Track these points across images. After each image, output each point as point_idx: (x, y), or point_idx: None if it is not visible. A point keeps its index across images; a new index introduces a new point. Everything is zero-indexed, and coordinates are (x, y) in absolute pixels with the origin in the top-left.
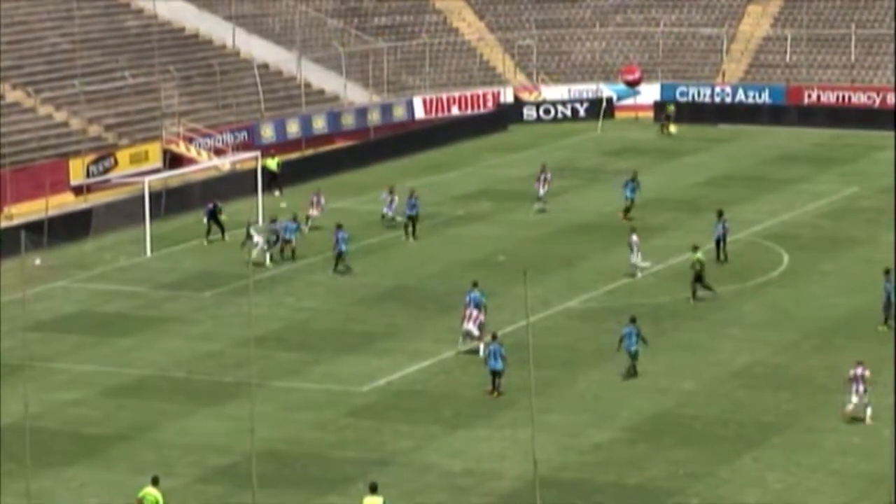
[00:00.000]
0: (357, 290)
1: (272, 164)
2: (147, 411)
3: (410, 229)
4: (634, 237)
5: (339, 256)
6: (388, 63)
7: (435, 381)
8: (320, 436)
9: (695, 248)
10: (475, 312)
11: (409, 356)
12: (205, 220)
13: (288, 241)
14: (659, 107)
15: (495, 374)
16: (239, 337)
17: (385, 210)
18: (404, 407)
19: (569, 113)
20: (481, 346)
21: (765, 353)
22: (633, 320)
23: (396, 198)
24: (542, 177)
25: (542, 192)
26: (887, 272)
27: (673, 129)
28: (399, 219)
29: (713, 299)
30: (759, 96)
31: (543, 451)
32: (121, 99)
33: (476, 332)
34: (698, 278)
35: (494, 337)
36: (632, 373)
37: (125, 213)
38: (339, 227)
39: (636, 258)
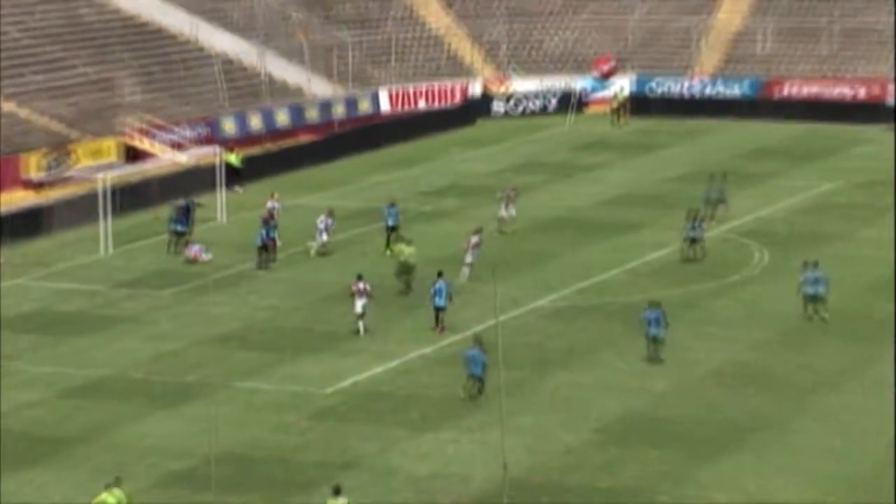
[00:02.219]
0: (321, 288)
1: (234, 158)
2: (105, 413)
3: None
4: (475, 238)
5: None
6: (353, 55)
7: (401, 382)
8: (283, 438)
9: (408, 242)
10: (362, 285)
11: (375, 356)
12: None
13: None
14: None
15: (474, 378)
16: (199, 336)
17: (319, 238)
18: (369, 409)
19: (538, 107)
20: (361, 326)
21: (739, 351)
22: (657, 304)
23: (332, 220)
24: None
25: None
26: (805, 265)
27: (624, 119)
28: (323, 240)
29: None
30: (735, 89)
31: (512, 453)
32: (79, 92)
33: (360, 311)
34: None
35: (479, 342)
36: (656, 358)
37: (83, 209)
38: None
39: (469, 259)
